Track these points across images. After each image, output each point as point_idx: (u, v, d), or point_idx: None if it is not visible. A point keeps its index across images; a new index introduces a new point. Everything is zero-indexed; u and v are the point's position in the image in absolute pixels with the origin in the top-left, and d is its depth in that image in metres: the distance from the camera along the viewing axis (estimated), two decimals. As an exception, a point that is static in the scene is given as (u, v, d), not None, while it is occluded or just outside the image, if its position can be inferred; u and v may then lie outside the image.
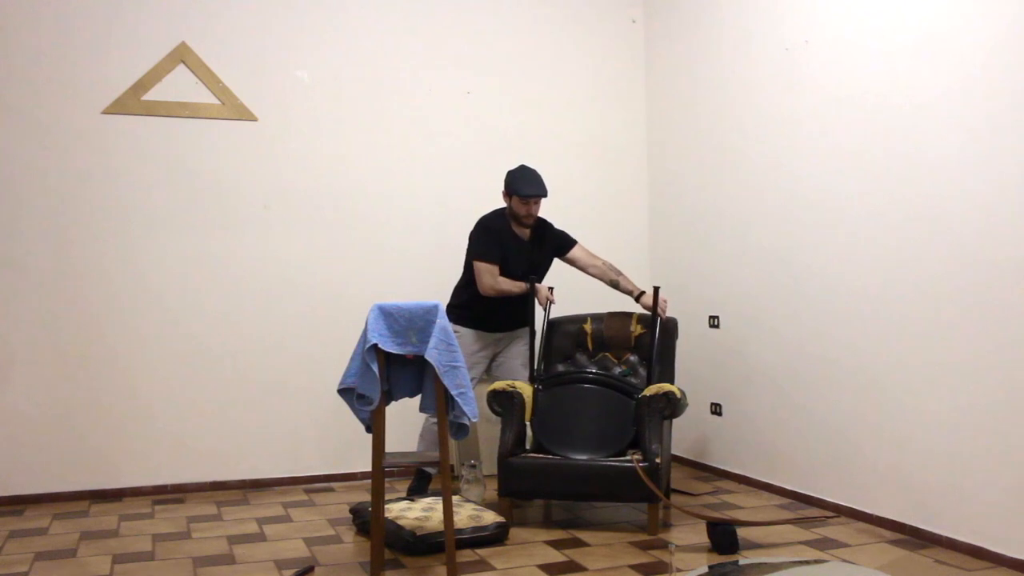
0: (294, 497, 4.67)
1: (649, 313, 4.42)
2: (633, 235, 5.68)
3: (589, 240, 5.56)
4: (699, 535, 3.85)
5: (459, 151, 5.29)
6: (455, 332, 4.35)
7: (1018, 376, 3.32)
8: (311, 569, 3.45)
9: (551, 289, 4.53)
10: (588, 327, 4.61)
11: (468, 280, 4.58)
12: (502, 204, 5.20)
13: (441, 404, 3.35)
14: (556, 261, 4.72)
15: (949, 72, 3.57)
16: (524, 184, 4.45)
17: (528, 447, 4.20)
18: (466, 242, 4.59)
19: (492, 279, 4.45)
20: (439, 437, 3.39)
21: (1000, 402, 3.39)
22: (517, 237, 4.57)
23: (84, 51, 4.65)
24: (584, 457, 3.96)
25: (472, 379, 4.35)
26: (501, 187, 4.54)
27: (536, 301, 4.50)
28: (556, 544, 3.76)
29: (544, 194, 4.47)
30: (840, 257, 4.14)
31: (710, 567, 3.36)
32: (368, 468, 5.06)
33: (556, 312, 4.83)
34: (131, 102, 4.72)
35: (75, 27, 4.63)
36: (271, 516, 4.28)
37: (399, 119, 5.18)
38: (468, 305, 4.59)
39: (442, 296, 5.17)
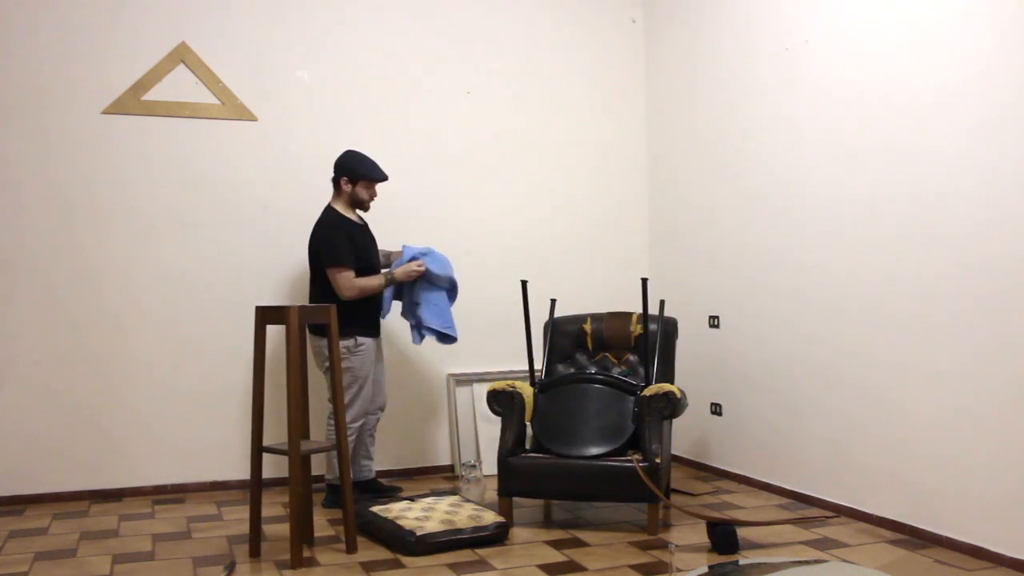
0: (294, 497, 4.67)
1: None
2: (633, 235, 5.68)
3: (589, 240, 5.58)
4: (699, 535, 3.85)
5: (459, 151, 5.29)
6: (359, 346, 4.39)
7: (1018, 376, 3.32)
8: (234, 566, 3.48)
9: (415, 260, 4.55)
10: (588, 327, 4.61)
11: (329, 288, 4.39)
12: (496, 201, 5.21)
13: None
14: None
15: (949, 72, 3.57)
16: (372, 168, 4.48)
17: (528, 447, 4.20)
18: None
19: (350, 282, 4.31)
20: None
21: (1000, 402, 3.39)
22: (361, 227, 4.54)
23: (84, 51, 4.65)
24: (584, 455, 3.95)
25: (361, 391, 4.42)
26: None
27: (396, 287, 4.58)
28: (556, 544, 3.76)
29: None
30: (840, 257, 4.14)
31: (710, 567, 3.36)
32: (368, 468, 5.08)
33: (557, 312, 4.83)
34: (131, 102, 4.72)
35: (75, 27, 4.63)
36: (271, 516, 4.28)
37: (399, 119, 5.18)
38: (358, 311, 4.40)
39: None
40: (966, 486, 3.54)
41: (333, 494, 4.45)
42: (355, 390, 4.40)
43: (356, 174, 4.45)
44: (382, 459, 5.07)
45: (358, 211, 4.58)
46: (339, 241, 4.34)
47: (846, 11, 4.08)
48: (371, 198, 4.53)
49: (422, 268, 4.54)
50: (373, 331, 4.51)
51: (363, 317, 4.44)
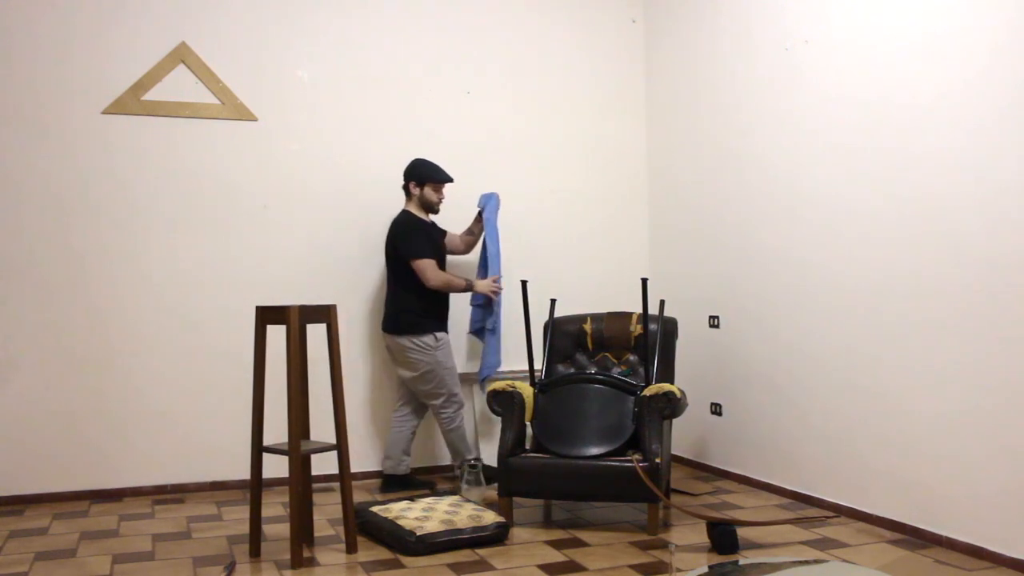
0: (294, 497, 4.67)
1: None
2: (633, 235, 5.68)
3: (588, 240, 5.58)
4: (699, 535, 3.85)
5: (459, 151, 5.29)
6: (439, 340, 4.68)
7: (1018, 376, 3.32)
8: (234, 566, 3.49)
9: (494, 279, 4.83)
10: (588, 327, 4.61)
11: (413, 283, 4.68)
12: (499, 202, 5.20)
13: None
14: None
15: (949, 72, 3.57)
16: (438, 171, 4.78)
17: (528, 447, 4.20)
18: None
19: (437, 273, 4.66)
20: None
21: (1000, 402, 3.39)
22: (435, 227, 4.86)
23: (84, 51, 4.65)
24: (584, 455, 3.96)
25: (456, 391, 4.74)
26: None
27: (476, 297, 4.89)
28: (556, 544, 3.76)
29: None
30: (840, 257, 4.14)
31: (710, 567, 3.36)
32: (367, 468, 5.07)
33: (557, 312, 4.83)
34: (131, 102, 4.72)
35: (75, 27, 4.63)
36: (271, 516, 4.28)
37: (399, 119, 5.18)
38: (436, 308, 4.73)
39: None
40: (966, 486, 3.54)
41: (398, 484, 4.77)
42: (449, 380, 4.72)
43: (423, 178, 4.74)
44: (382, 459, 5.08)
45: (430, 214, 4.86)
46: (417, 236, 4.68)
47: (846, 11, 4.08)
48: (440, 200, 4.81)
49: (499, 288, 4.86)
50: (446, 326, 4.81)
51: (440, 312, 4.76)
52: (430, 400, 4.74)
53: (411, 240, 4.66)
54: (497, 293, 4.83)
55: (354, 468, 4.99)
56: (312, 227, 5.02)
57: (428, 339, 4.66)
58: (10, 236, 4.55)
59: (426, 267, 4.62)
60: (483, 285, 4.80)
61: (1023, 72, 3.28)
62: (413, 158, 4.88)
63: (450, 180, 4.81)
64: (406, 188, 4.79)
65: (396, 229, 4.73)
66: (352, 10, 5.10)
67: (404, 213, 4.78)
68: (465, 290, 4.76)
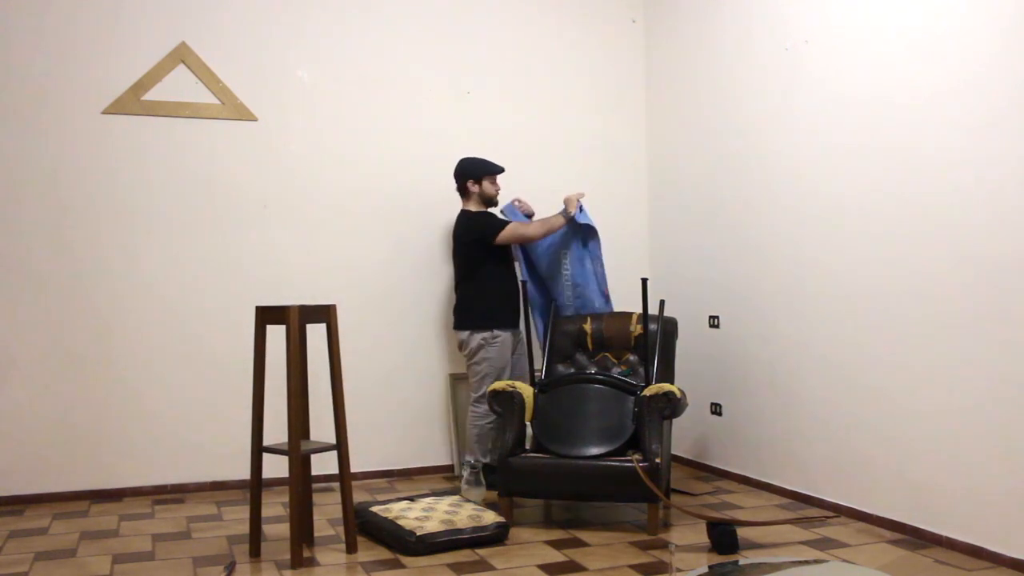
0: (294, 497, 4.66)
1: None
2: (633, 235, 5.67)
3: (589, 240, 5.58)
4: (699, 535, 3.85)
5: (459, 151, 5.28)
6: (495, 338, 4.67)
7: (1018, 376, 3.32)
8: (234, 566, 3.49)
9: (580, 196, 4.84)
10: (588, 327, 4.61)
11: (478, 279, 4.72)
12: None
13: None
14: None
15: (949, 71, 3.57)
16: (489, 164, 4.83)
17: (528, 447, 4.20)
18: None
19: (526, 225, 4.75)
20: None
21: (1000, 402, 3.39)
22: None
23: (84, 51, 4.65)
24: (584, 455, 3.95)
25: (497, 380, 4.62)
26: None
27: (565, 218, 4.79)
28: (556, 544, 3.76)
29: None
30: (840, 257, 4.14)
31: (710, 567, 3.37)
32: (367, 468, 5.07)
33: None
34: (131, 102, 4.72)
35: (75, 27, 4.63)
36: (271, 516, 4.28)
37: (399, 119, 5.18)
38: (494, 305, 4.73)
39: (439, 295, 5.19)
40: (966, 486, 3.54)
41: (491, 474, 4.58)
42: (492, 380, 4.63)
43: (480, 173, 4.79)
44: (382, 459, 5.08)
45: (489, 208, 4.88)
46: (486, 218, 4.74)
47: (846, 11, 4.08)
48: (497, 191, 4.86)
49: (581, 196, 4.85)
50: (510, 324, 4.76)
51: (499, 310, 4.73)
52: (471, 391, 4.79)
53: (483, 224, 4.71)
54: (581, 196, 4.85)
55: (354, 468, 4.98)
56: (312, 227, 5.01)
57: (485, 335, 4.66)
58: (10, 236, 4.55)
59: (514, 228, 4.69)
60: (571, 200, 4.77)
61: (1023, 72, 3.28)
62: (460, 158, 4.87)
63: (503, 170, 4.87)
64: (463, 188, 4.82)
65: (463, 225, 4.76)
66: (352, 10, 5.10)
67: (464, 213, 4.81)
68: (567, 221, 4.75)
